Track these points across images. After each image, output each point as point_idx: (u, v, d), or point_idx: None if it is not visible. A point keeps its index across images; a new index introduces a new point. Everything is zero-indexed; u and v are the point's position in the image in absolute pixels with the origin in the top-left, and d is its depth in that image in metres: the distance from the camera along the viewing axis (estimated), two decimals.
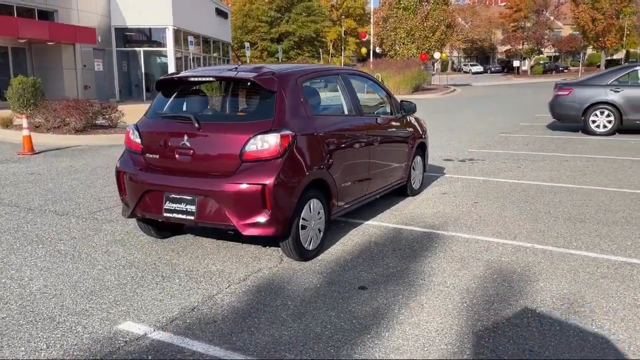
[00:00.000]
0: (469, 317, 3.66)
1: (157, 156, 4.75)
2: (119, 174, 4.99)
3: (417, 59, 34.46)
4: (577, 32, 63.92)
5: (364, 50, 42.16)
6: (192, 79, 4.95)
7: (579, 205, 6.48)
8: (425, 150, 7.37)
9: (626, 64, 19.06)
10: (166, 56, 28.62)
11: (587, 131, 12.84)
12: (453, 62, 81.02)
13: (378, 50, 39.43)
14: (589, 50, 60.79)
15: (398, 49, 37.25)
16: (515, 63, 62.58)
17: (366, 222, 5.88)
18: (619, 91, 12.39)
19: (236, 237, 5.05)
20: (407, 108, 6.64)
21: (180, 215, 4.57)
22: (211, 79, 4.95)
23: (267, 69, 4.78)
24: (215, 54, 35.44)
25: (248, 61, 32.53)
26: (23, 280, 4.36)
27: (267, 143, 4.34)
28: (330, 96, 6.35)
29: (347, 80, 5.65)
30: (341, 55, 58.60)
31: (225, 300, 3.97)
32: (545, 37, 61.12)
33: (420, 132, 7.06)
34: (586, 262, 4.64)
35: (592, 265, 4.55)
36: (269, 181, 4.28)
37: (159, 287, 4.20)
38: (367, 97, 7.49)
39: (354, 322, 3.62)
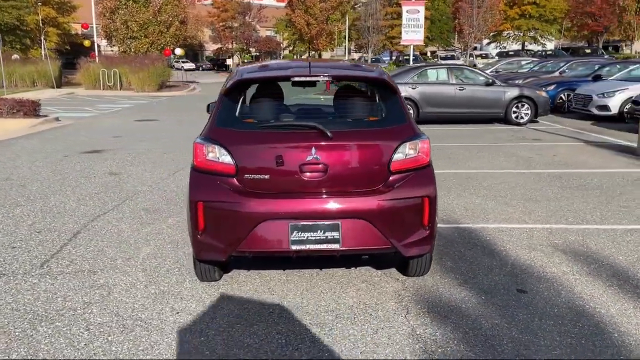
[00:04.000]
0: None
1: (266, 177, 3.79)
2: (196, 205, 3.80)
3: (158, 54, 32.83)
4: (275, 34, 69.72)
5: (87, 42, 37.94)
6: (298, 79, 4.04)
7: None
8: None
9: (422, 63, 21.90)
10: None
11: None
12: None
13: (104, 43, 36.01)
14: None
15: (130, 43, 34.80)
16: (229, 61, 65.01)
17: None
18: (415, 88, 14.37)
19: (339, 262, 4.45)
20: None
21: (318, 246, 3.77)
22: (326, 78, 4.13)
23: (368, 67, 4.26)
24: None
25: None
26: None
27: (415, 151, 3.91)
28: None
29: None
30: (41, 47, 51.87)
31: None
32: (252, 37, 65.14)
33: None
34: None
35: None
36: (429, 193, 3.89)
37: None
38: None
39: None
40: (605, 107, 14.78)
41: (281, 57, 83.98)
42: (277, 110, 4.23)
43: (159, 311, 3.89)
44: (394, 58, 44.20)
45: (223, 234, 3.81)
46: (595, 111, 14.95)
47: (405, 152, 3.87)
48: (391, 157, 3.85)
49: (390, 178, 3.85)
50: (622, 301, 3.97)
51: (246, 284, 4.32)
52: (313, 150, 3.77)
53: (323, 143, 3.78)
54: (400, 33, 30.92)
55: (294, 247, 3.76)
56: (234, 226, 3.77)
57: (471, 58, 40.29)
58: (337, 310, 3.87)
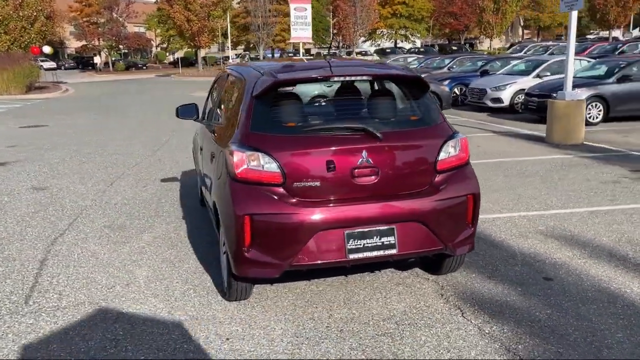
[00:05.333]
0: None
1: (317, 183, 3.56)
2: (243, 219, 3.46)
3: (22, 53, 29.62)
4: (146, 30, 66.49)
5: None
6: (338, 78, 3.80)
7: None
8: None
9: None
10: None
11: None
12: None
13: None
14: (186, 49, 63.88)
15: None
16: (97, 59, 60.74)
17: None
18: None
19: (361, 266, 4.29)
20: None
21: (375, 253, 3.62)
22: (365, 77, 3.91)
23: (394, 66, 4.16)
24: None
25: None
26: None
27: (457, 149, 3.90)
28: None
29: None
30: None
31: None
32: (122, 34, 61.53)
33: None
34: None
35: None
36: (474, 190, 3.91)
37: None
38: None
39: None
40: (498, 100, 15.98)
41: (152, 54, 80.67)
42: (314, 112, 3.98)
43: (205, 340, 3.50)
44: (277, 56, 44.21)
45: (276, 249, 3.51)
46: (490, 103, 16.11)
47: (448, 151, 3.85)
48: (437, 156, 3.80)
49: (437, 178, 3.81)
50: (637, 279, 4.29)
51: (279, 299, 4.04)
52: (364, 153, 3.60)
53: (373, 145, 3.63)
54: (283, 31, 31.15)
55: (351, 256, 3.58)
56: (289, 239, 3.50)
57: (353, 56, 41.46)
58: (393, 317, 3.75)
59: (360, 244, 3.59)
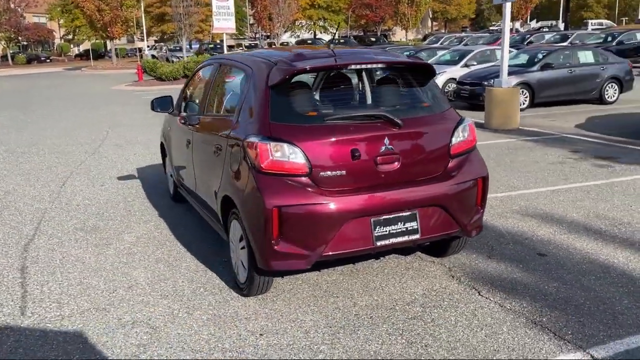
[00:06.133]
0: None
1: (343, 172, 3.56)
2: (272, 212, 3.39)
3: None
4: (47, 20, 62.68)
5: None
6: (355, 67, 3.77)
7: None
8: None
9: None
10: None
11: None
12: None
13: None
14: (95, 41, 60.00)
15: None
16: None
17: None
18: None
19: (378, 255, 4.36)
20: None
21: (400, 239, 3.67)
22: (380, 65, 3.90)
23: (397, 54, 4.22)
24: None
25: None
26: None
27: (468, 133, 4.02)
28: None
29: None
30: None
31: None
32: (21, 24, 57.40)
33: None
34: None
35: None
36: (484, 173, 4.06)
37: None
38: None
39: None
40: None
41: (56, 46, 75.96)
42: (331, 100, 3.94)
43: (238, 337, 3.40)
44: (194, 47, 42.89)
45: (306, 240, 3.47)
46: None
47: (459, 136, 3.96)
48: (450, 141, 3.90)
49: (451, 162, 3.91)
50: (619, 250, 4.63)
51: (297, 292, 4.00)
52: (386, 140, 3.64)
53: (394, 132, 3.67)
54: (201, 21, 30.51)
55: (378, 243, 3.61)
56: (320, 229, 3.46)
57: (273, 47, 41.06)
58: (416, 301, 3.83)
59: (386, 231, 3.62)
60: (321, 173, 3.52)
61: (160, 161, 8.76)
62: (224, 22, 28.75)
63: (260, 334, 3.43)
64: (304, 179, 3.50)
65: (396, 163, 3.68)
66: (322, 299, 3.89)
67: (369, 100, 3.96)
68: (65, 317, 3.69)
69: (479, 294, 3.91)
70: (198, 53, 37.16)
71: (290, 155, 3.48)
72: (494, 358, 3.12)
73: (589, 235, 5.00)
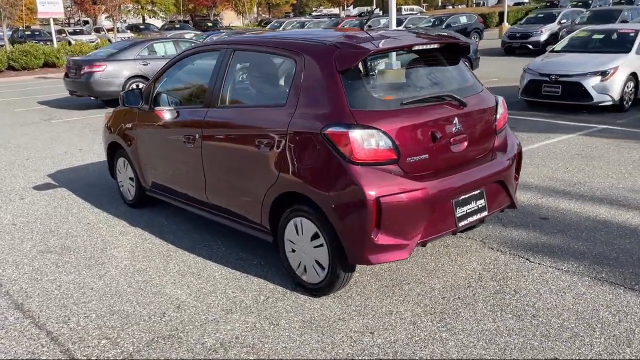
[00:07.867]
0: None
1: (426, 156, 3.48)
2: (373, 203, 3.21)
3: None
4: None
5: None
6: (419, 47, 3.65)
7: None
8: None
9: (146, 38, 18.16)
10: None
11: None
12: None
13: None
14: None
15: None
16: None
17: None
18: (147, 64, 13.23)
19: None
20: None
21: (473, 217, 3.74)
22: (435, 45, 3.78)
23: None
24: None
25: None
26: None
27: (503, 109, 4.16)
28: None
29: None
30: None
31: None
32: None
33: None
34: None
35: None
36: (520, 147, 4.25)
37: None
38: None
39: None
40: None
41: None
42: (400, 83, 3.77)
43: (350, 338, 3.17)
44: (9, 33, 37.35)
45: (403, 229, 3.33)
46: None
47: (500, 112, 4.09)
48: (495, 117, 4.02)
49: (496, 138, 4.04)
50: (611, 209, 5.15)
51: (369, 285, 3.84)
52: (456, 120, 3.64)
53: (461, 112, 3.69)
54: (14, 5, 27.35)
55: (460, 224, 3.62)
56: (416, 217, 3.35)
57: (103, 32, 37.90)
58: (483, 277, 3.91)
59: (464, 211, 3.64)
60: (408, 159, 3.40)
61: (79, 163, 7.74)
62: (49, 6, 25.96)
63: (371, 332, 3.24)
64: (393, 166, 3.35)
65: (465, 143, 3.70)
66: (397, 287, 3.79)
67: (431, 81, 3.91)
68: (133, 354, 3.10)
69: (529, 261, 4.12)
70: (13, 41, 32.68)
71: (380, 142, 3.31)
72: (598, 317, 3.34)
73: (576, 200, 5.52)
